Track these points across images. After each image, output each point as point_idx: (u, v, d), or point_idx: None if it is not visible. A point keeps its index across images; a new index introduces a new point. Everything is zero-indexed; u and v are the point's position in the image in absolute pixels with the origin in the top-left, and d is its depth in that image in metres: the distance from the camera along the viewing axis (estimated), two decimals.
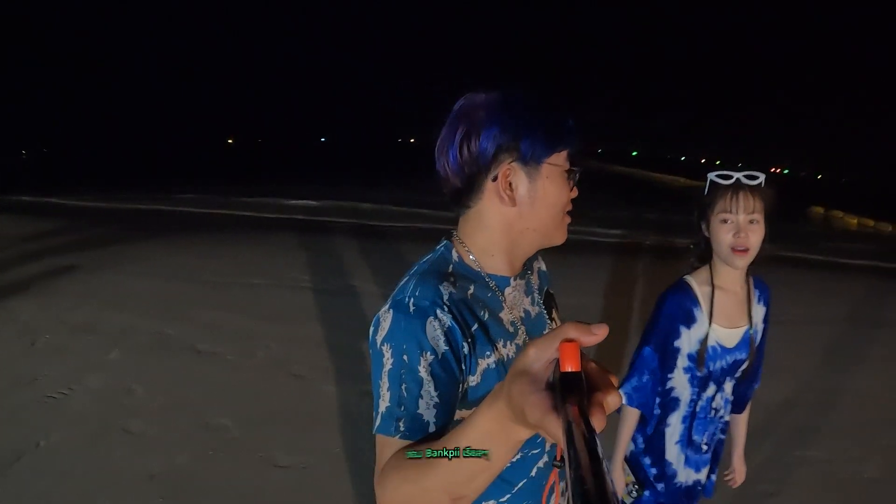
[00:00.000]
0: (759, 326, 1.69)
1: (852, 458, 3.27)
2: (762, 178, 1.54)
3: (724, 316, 1.63)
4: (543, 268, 1.21)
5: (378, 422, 0.82)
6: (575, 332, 0.49)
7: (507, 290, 1.00)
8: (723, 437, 1.81)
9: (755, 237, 1.52)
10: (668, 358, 1.65)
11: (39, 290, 5.44)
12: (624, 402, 1.66)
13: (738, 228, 1.52)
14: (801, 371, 4.48)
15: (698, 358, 1.62)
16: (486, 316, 0.93)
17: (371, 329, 0.89)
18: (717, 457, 1.82)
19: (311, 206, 14.27)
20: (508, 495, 0.96)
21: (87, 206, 12.50)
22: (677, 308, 1.63)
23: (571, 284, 6.35)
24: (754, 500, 2.86)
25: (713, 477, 1.83)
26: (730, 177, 1.55)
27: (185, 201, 14.20)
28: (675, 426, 1.70)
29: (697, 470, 1.75)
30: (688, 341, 1.63)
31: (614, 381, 0.51)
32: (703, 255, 1.67)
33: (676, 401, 1.68)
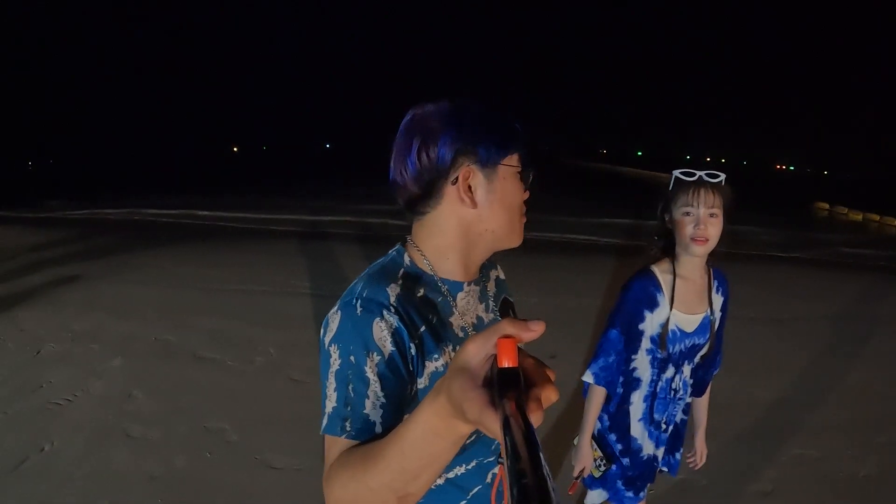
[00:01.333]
0: (718, 314, 1.81)
1: (848, 456, 3.27)
2: (723, 177, 1.67)
3: (683, 302, 1.74)
4: (502, 276, 1.21)
5: (325, 422, 0.82)
6: (512, 328, 0.50)
7: (460, 296, 1.00)
8: (685, 417, 1.93)
9: (714, 229, 1.64)
10: (632, 340, 1.76)
11: (44, 299, 5.51)
12: (591, 381, 1.78)
13: (699, 221, 1.64)
14: (797, 368, 4.49)
15: (660, 340, 1.73)
16: (435, 320, 0.94)
17: (321, 330, 0.90)
18: (680, 437, 1.94)
19: (311, 212, 14.31)
20: (463, 502, 0.97)
21: (90, 217, 12.59)
22: (642, 293, 1.74)
23: (574, 285, 6.39)
24: (749, 499, 2.86)
25: (678, 456, 1.95)
26: (693, 174, 1.68)
27: (188, 210, 14.28)
28: (637, 404, 1.83)
29: (657, 446, 1.87)
30: (650, 324, 1.74)
31: (551, 375, 0.52)
32: (666, 246, 1.79)
33: (638, 381, 1.80)
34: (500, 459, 1.01)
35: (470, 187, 0.94)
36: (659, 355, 1.76)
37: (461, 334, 0.97)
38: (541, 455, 0.38)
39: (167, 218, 13.15)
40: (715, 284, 1.81)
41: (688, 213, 1.66)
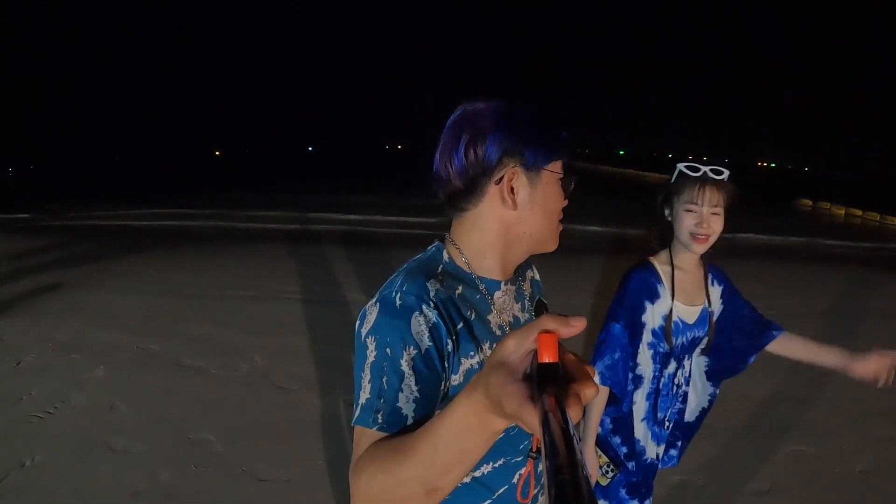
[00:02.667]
0: (718, 304, 1.80)
1: (844, 451, 3.25)
2: (727, 173, 1.64)
3: (683, 293, 1.72)
4: (537, 277, 1.22)
5: (357, 413, 0.82)
6: (553, 323, 0.50)
7: (497, 294, 1.01)
8: (683, 406, 1.88)
9: (716, 226, 1.63)
10: (635, 334, 1.71)
11: (24, 308, 5.39)
12: (597, 381, 1.66)
13: (701, 219, 1.62)
14: (789, 364, 4.41)
15: (665, 333, 1.69)
16: (473, 316, 0.94)
17: (357, 322, 0.90)
18: (680, 429, 1.90)
19: (297, 216, 14.24)
20: (489, 501, 0.96)
21: (72, 224, 12.37)
22: (643, 284, 1.71)
23: (560, 283, 6.38)
24: (747, 499, 2.83)
25: (678, 447, 1.91)
26: (698, 169, 1.64)
27: (172, 215, 14.15)
28: (640, 404, 1.78)
29: (658, 444, 1.83)
30: (652, 317, 1.70)
31: (591, 372, 0.51)
32: (664, 239, 1.76)
33: (640, 378, 1.76)
34: (530, 454, 1.00)
35: (513, 189, 0.96)
36: (662, 349, 1.72)
37: (498, 332, 0.98)
38: (579, 452, 0.39)
39: (150, 223, 12.99)
40: (710, 277, 1.79)
41: (690, 210, 1.63)
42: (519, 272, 1.12)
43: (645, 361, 1.74)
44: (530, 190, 0.96)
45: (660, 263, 1.73)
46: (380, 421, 0.79)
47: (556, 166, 0.98)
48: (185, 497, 2.74)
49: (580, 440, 0.39)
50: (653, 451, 1.81)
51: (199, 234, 11.23)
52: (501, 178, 0.94)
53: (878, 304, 6.32)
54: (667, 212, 1.72)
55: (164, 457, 3.04)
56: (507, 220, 0.97)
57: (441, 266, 0.98)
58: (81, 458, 3.01)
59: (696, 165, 1.65)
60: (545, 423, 0.42)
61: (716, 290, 1.79)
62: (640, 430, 1.79)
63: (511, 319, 1.03)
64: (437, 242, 1.03)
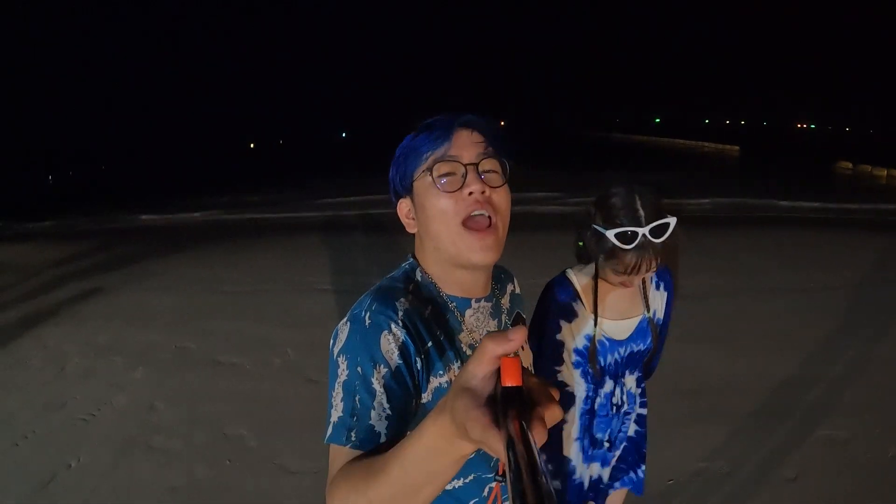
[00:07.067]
0: (661, 312, 1.61)
1: (877, 435, 3.13)
2: (673, 222, 1.33)
3: (611, 308, 1.55)
4: (517, 291, 1.22)
5: (329, 431, 0.84)
6: (492, 343, 0.51)
7: (468, 313, 1.02)
8: (640, 429, 1.73)
9: (650, 273, 1.42)
10: (552, 353, 1.59)
11: (66, 314, 5.60)
12: None
13: (632, 281, 1.45)
14: (820, 342, 4.32)
15: (590, 354, 1.54)
16: (443, 336, 0.96)
17: (331, 341, 0.92)
18: (638, 452, 1.75)
19: (330, 204, 14.30)
20: None
21: (109, 227, 12.61)
22: (553, 303, 1.57)
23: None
24: (773, 487, 2.75)
25: (640, 472, 1.76)
26: (634, 236, 1.33)
27: (206, 211, 14.40)
28: (572, 423, 1.64)
29: (603, 465, 1.70)
30: (571, 336, 1.57)
31: (555, 394, 0.52)
32: (587, 257, 1.57)
33: (571, 396, 1.62)
34: (497, 477, 1.01)
35: (414, 217, 1.03)
36: (590, 370, 1.57)
37: (468, 352, 0.98)
38: (544, 477, 0.39)
39: (185, 221, 13.23)
40: (654, 281, 1.60)
41: (620, 272, 1.41)
42: (498, 287, 1.13)
43: (574, 380, 1.61)
44: (415, 209, 1.01)
45: (579, 277, 1.56)
46: (353, 439, 0.81)
47: (424, 169, 0.97)
48: (220, 491, 2.86)
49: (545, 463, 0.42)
50: (584, 471, 1.69)
51: (233, 229, 11.38)
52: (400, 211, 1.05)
53: None
54: (589, 234, 1.48)
55: (200, 453, 3.18)
56: (421, 240, 1.03)
57: (413, 284, 1.00)
58: (123, 457, 3.16)
59: (632, 230, 1.32)
60: (510, 448, 0.43)
61: (661, 296, 1.60)
62: (573, 449, 1.65)
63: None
64: (410, 259, 1.06)
